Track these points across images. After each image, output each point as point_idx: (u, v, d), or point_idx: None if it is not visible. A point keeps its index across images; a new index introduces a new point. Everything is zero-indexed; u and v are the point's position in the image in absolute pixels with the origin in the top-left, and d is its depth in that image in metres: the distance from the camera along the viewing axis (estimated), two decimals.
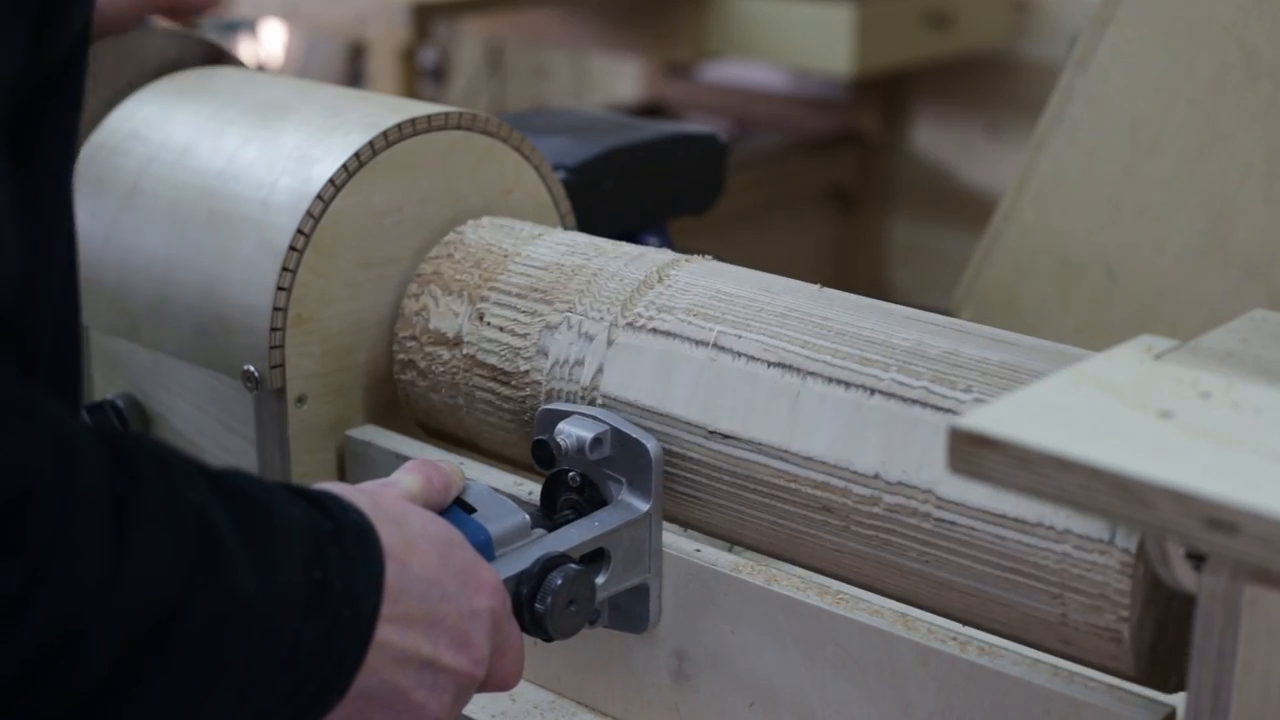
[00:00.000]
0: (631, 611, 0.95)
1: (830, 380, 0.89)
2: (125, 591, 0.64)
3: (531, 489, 0.99)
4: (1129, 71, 1.41)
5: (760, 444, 0.90)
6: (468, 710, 0.94)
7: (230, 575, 0.68)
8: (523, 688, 1.00)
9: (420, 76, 3.18)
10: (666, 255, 1.03)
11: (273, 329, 1.04)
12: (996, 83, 3.29)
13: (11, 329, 0.68)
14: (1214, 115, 1.36)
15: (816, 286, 0.98)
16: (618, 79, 3.82)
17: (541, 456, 0.95)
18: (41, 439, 0.63)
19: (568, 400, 0.99)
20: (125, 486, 0.66)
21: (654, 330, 0.96)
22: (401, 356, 1.08)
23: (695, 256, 1.03)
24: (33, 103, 0.71)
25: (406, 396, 1.09)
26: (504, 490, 0.97)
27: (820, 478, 0.88)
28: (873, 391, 0.87)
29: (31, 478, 0.62)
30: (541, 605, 0.86)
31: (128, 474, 0.66)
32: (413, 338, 1.07)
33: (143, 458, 0.68)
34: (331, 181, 1.04)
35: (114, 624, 0.64)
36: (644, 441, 0.94)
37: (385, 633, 0.75)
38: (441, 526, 0.82)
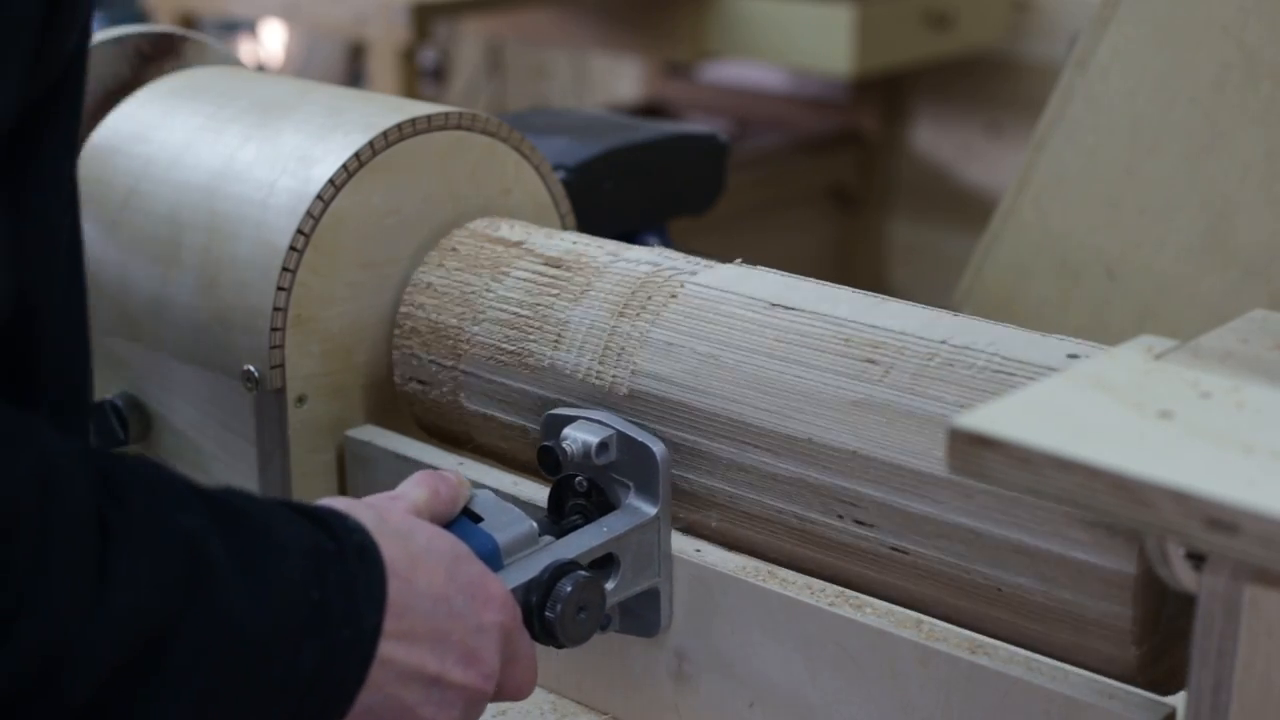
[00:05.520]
0: (643, 616, 0.94)
1: None
2: (109, 619, 0.64)
3: (532, 491, 0.99)
4: (1129, 71, 1.41)
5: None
6: None
7: (221, 599, 0.68)
8: None
9: (420, 76, 3.18)
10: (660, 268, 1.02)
11: (273, 329, 1.04)
12: (996, 83, 3.28)
13: None
14: (1214, 115, 1.36)
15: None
16: (618, 79, 3.81)
17: (548, 462, 0.94)
18: (23, 466, 0.63)
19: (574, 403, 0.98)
20: (111, 512, 0.65)
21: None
22: (401, 356, 1.08)
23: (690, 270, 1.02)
24: (31, 118, 0.70)
25: (406, 396, 1.09)
26: (502, 490, 0.97)
27: None
28: None
29: (12, 506, 0.62)
30: (552, 613, 0.85)
31: (114, 500, 0.66)
32: (412, 335, 1.07)
33: (132, 482, 0.67)
34: (331, 181, 1.04)
35: (97, 652, 0.64)
36: (650, 445, 0.93)
37: (389, 650, 0.75)
38: (448, 541, 0.81)
